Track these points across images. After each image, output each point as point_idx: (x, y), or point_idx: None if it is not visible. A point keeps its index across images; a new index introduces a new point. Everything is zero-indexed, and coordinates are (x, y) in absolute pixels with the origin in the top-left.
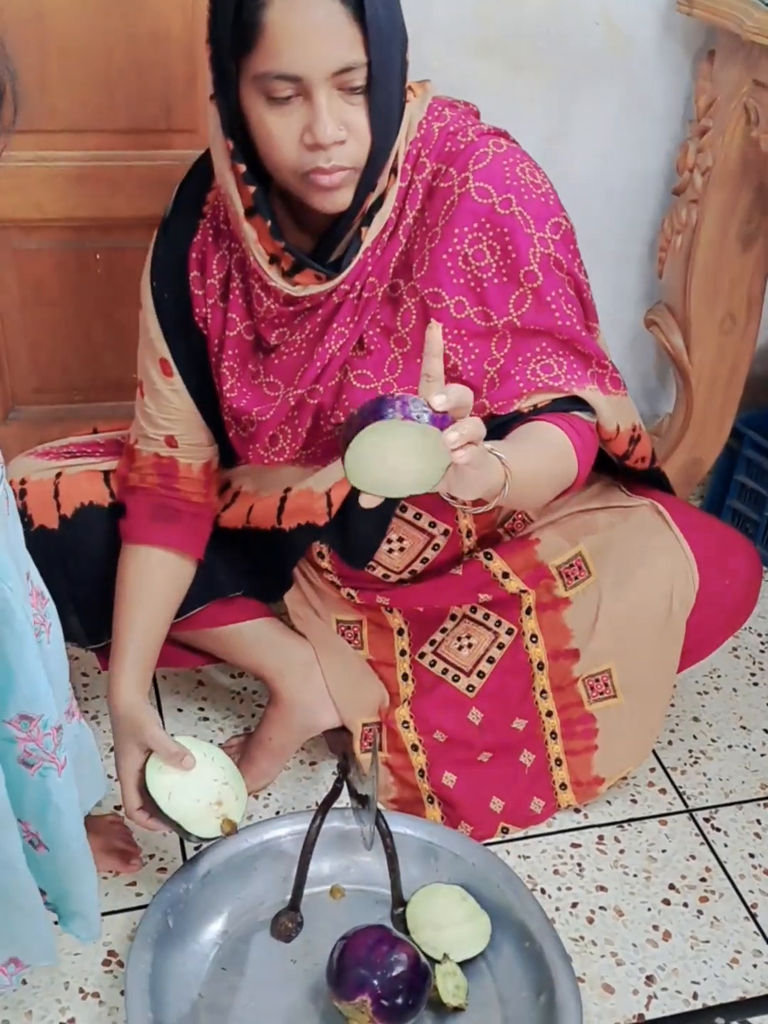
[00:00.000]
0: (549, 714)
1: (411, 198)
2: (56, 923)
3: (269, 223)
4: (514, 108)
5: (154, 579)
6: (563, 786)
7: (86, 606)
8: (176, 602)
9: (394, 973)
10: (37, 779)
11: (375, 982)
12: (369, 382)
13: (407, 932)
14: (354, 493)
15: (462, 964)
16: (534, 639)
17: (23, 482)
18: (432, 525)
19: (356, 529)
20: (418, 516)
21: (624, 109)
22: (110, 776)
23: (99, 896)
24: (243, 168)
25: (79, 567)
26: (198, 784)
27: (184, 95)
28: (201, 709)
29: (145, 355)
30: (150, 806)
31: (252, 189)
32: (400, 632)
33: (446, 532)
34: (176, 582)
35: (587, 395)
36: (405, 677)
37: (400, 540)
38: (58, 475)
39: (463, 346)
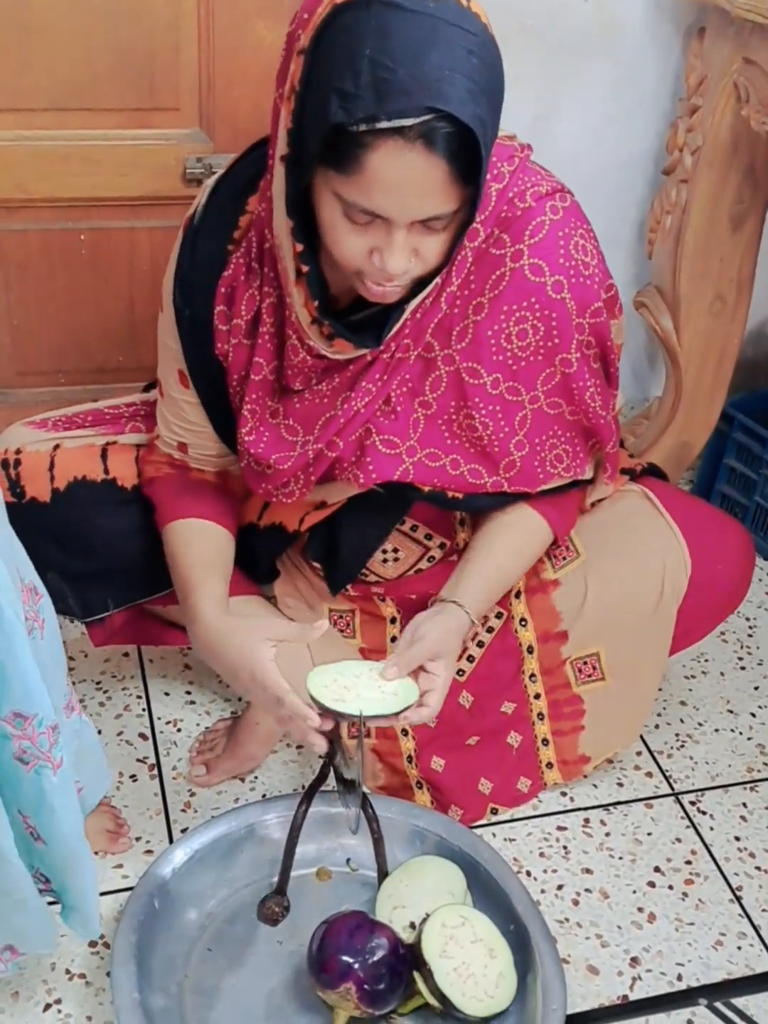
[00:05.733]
0: (537, 696)
1: (459, 265)
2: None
3: (316, 303)
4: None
5: (200, 540)
6: (549, 765)
7: (78, 579)
8: (228, 560)
9: (376, 958)
10: (33, 776)
11: (357, 968)
12: (394, 447)
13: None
14: (342, 519)
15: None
16: (523, 623)
17: (18, 452)
18: (428, 538)
19: (344, 552)
20: (415, 528)
21: (614, 88)
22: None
23: (97, 894)
24: (301, 247)
25: (70, 540)
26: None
27: (167, 73)
28: (188, 692)
29: (164, 358)
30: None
31: (307, 268)
32: (392, 621)
33: (442, 545)
34: (220, 544)
35: (586, 476)
36: None
37: (395, 551)
38: (55, 447)
39: (494, 422)
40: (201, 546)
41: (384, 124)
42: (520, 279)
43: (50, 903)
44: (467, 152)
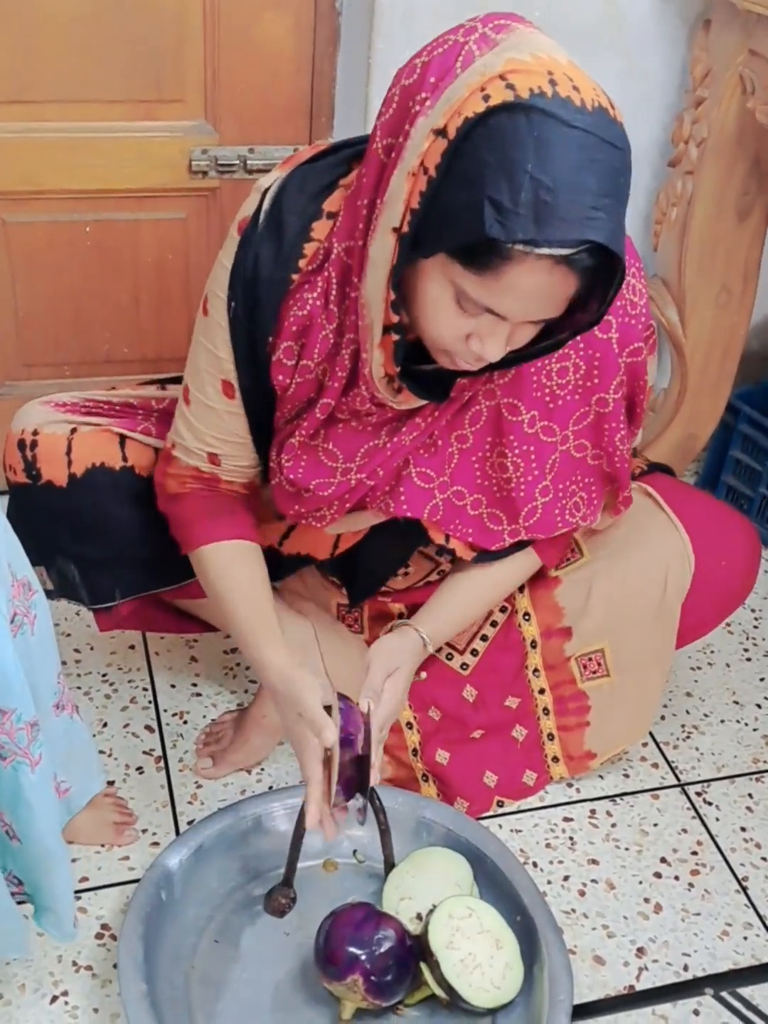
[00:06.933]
0: (542, 691)
1: None
2: (30, 917)
3: (398, 371)
4: None
5: (240, 570)
6: (555, 759)
7: (89, 565)
8: (266, 579)
9: (383, 949)
10: (10, 772)
11: (364, 959)
12: (430, 481)
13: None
14: (364, 541)
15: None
16: (527, 617)
17: (36, 433)
18: (440, 553)
19: (363, 572)
20: (427, 544)
21: (619, 80)
22: (103, 751)
23: (72, 896)
24: (397, 319)
25: (85, 527)
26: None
27: (173, 65)
28: (194, 685)
29: (203, 366)
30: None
31: (396, 338)
32: (400, 616)
33: (453, 560)
34: (258, 564)
35: (594, 524)
36: None
37: (406, 566)
38: (73, 430)
39: (526, 463)
40: (241, 578)
41: (542, 251)
42: None
43: (19, 902)
44: (600, 270)
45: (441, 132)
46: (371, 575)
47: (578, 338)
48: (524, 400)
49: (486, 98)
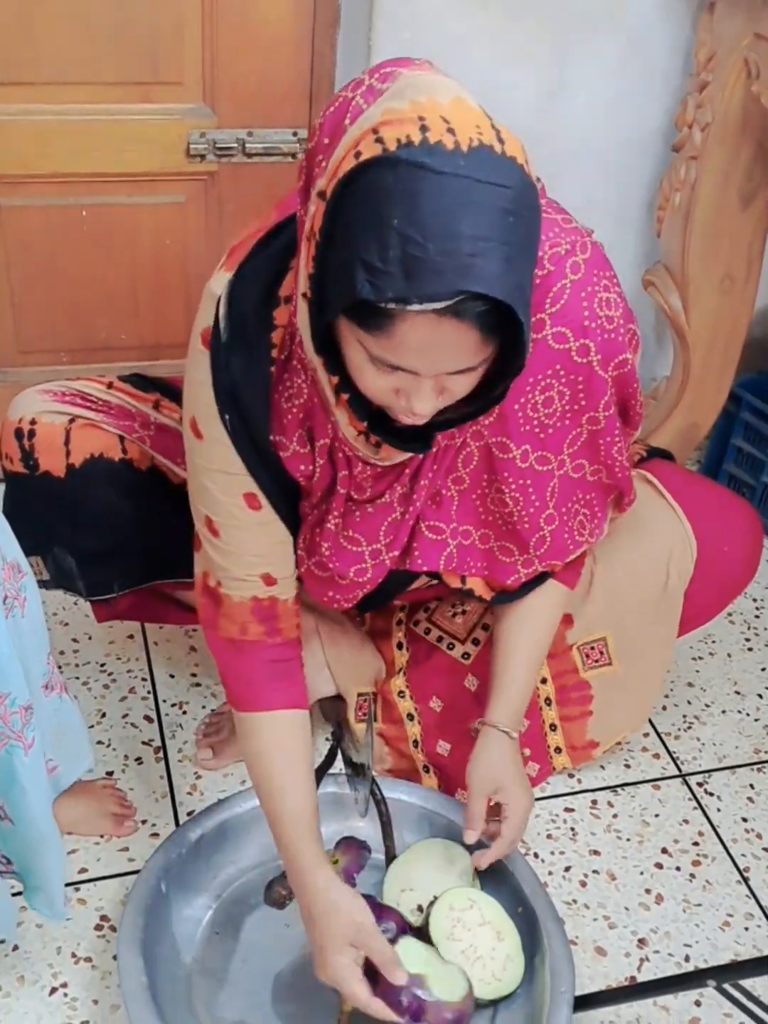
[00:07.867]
0: (544, 681)
1: None
2: (20, 895)
3: (364, 424)
4: (510, 62)
5: (294, 746)
6: (558, 750)
7: (88, 557)
8: (309, 758)
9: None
10: (4, 755)
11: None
12: (440, 533)
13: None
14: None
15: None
16: None
17: (33, 421)
18: (461, 595)
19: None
20: (434, 577)
21: (623, 63)
22: (100, 742)
23: (64, 876)
24: (337, 379)
25: (83, 518)
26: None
27: (171, 46)
28: (194, 675)
29: (217, 492)
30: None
31: (347, 395)
32: (402, 607)
33: (473, 595)
34: (307, 738)
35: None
36: (400, 646)
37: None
38: (71, 421)
39: (525, 497)
40: (294, 757)
41: (415, 307)
42: (544, 349)
43: (16, 893)
44: (501, 313)
45: (322, 194)
46: (381, 597)
47: (559, 367)
48: (512, 437)
49: (357, 155)
